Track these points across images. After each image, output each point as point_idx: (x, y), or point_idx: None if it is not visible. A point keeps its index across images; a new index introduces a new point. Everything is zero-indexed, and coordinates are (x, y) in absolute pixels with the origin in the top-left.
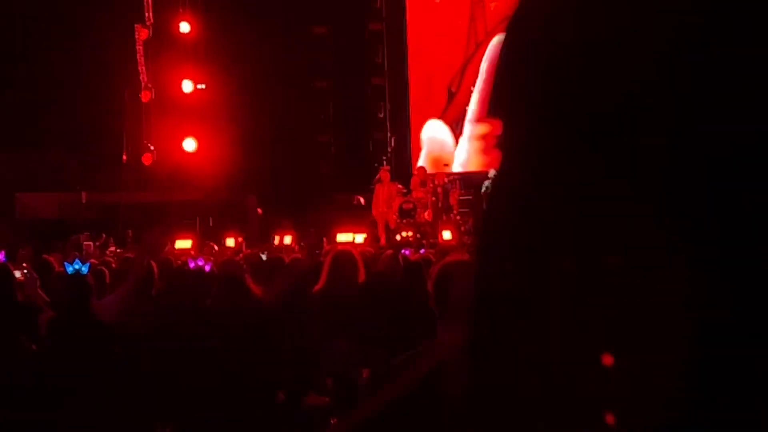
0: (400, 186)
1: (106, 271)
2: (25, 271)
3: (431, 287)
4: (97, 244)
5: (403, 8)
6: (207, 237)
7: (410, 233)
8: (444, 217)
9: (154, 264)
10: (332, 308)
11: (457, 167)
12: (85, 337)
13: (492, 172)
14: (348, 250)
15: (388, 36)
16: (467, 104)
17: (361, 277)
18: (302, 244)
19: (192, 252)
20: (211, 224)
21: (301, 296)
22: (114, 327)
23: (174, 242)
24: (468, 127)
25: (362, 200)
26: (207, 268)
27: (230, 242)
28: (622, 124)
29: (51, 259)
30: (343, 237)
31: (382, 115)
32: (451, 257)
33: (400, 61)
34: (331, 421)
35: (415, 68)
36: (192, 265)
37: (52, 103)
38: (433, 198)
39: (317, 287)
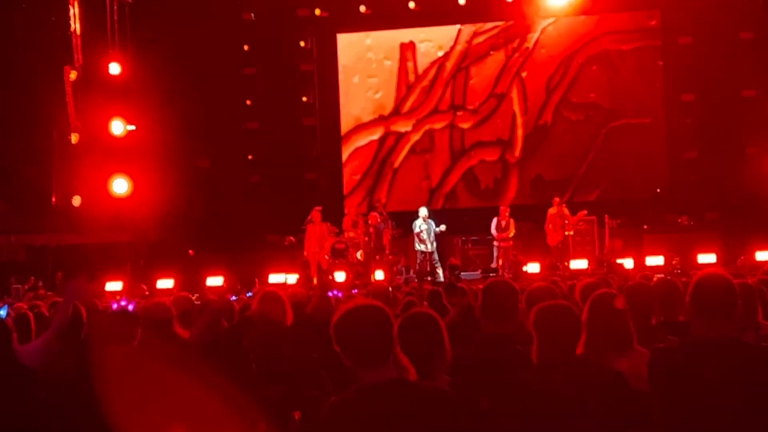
0: (332, 226)
1: (31, 316)
2: None
3: (334, 343)
4: (26, 287)
5: (334, 49)
6: (138, 279)
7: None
8: (377, 257)
9: (82, 308)
10: (262, 350)
11: None
12: (9, 384)
13: (423, 212)
14: (275, 291)
15: (319, 76)
16: None
17: (289, 319)
18: (232, 284)
19: (123, 294)
20: (142, 266)
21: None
22: (39, 373)
23: (104, 284)
24: None
25: (294, 241)
26: (130, 307)
27: (164, 284)
28: None
29: None
30: (275, 278)
31: (313, 155)
32: (344, 306)
33: (331, 101)
34: None
35: (346, 108)
36: (115, 306)
37: None
38: (366, 238)
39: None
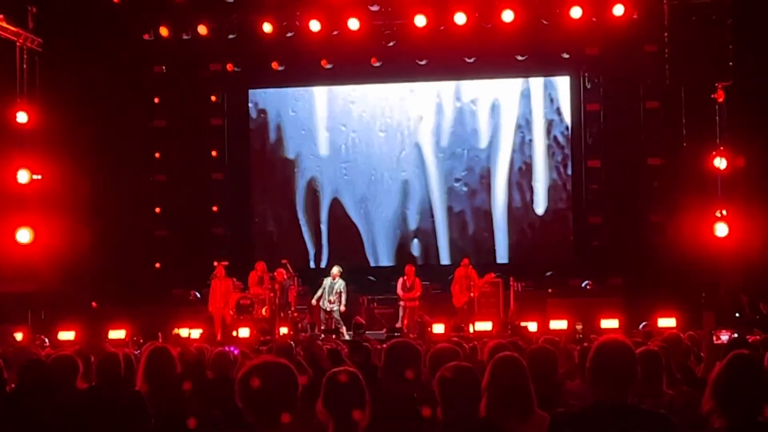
0: (237, 282)
1: None
2: None
3: (238, 401)
4: None
5: (245, 104)
6: (39, 330)
7: None
8: (281, 314)
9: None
10: (155, 406)
11: None
12: None
13: (334, 270)
14: (162, 347)
15: (229, 131)
16: None
17: (178, 370)
18: (135, 338)
19: (23, 345)
20: (43, 317)
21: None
22: None
23: None
24: None
25: (199, 295)
26: None
27: (65, 336)
28: None
29: None
30: (179, 332)
31: (221, 210)
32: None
33: (242, 155)
34: None
35: (256, 163)
36: None
37: None
38: (271, 294)
39: (137, 385)
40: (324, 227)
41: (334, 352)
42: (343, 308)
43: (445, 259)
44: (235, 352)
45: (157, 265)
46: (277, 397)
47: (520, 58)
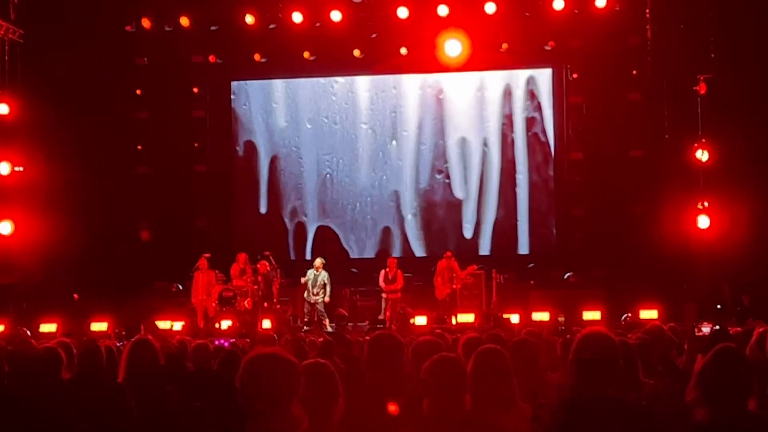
0: (219, 273)
1: None
2: None
3: (238, 380)
4: None
5: (227, 95)
6: (21, 322)
7: None
8: (264, 306)
9: None
10: (136, 399)
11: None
12: None
13: (317, 261)
14: (145, 338)
15: (211, 123)
16: None
17: (161, 362)
18: (117, 330)
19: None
20: (25, 308)
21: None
22: None
23: None
24: None
25: (181, 287)
26: None
27: (47, 327)
28: None
29: None
30: (161, 324)
31: (203, 202)
32: (260, 349)
33: (225, 147)
34: None
35: (238, 154)
36: None
37: None
38: (254, 286)
39: (120, 377)
40: (307, 219)
41: (327, 343)
42: (327, 299)
43: (427, 251)
44: (225, 345)
45: (140, 257)
46: (279, 391)
47: (502, 50)
